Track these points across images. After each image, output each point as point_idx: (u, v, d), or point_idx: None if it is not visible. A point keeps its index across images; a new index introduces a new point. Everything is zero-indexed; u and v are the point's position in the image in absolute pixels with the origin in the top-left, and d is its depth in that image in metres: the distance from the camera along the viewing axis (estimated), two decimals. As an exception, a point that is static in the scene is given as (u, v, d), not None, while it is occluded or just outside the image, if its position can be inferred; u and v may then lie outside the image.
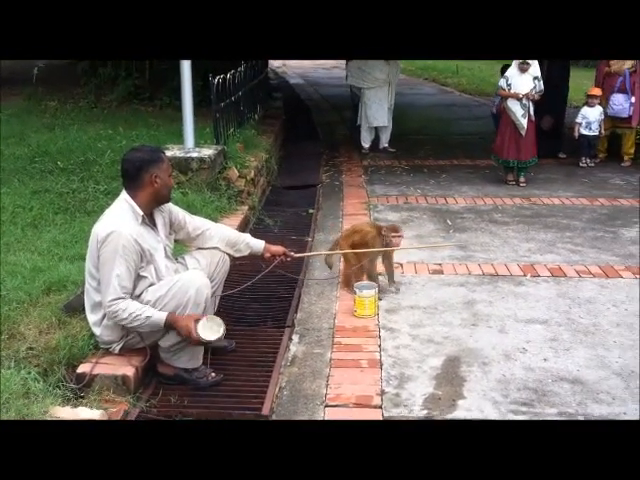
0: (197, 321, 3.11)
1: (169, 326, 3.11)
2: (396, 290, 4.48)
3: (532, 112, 7.20)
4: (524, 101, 7.14)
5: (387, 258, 4.50)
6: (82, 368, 3.09)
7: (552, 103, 8.31)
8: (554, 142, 8.67)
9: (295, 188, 7.50)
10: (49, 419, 2.59)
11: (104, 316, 3.18)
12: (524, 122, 7.16)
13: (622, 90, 8.27)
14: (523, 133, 7.21)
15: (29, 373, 2.92)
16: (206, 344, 3.20)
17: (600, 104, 8.37)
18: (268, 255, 3.78)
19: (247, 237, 3.76)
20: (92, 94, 9.84)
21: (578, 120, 8.37)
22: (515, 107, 7.20)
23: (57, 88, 10.08)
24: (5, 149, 6.47)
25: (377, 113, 9.16)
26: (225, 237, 3.61)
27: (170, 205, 3.42)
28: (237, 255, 3.69)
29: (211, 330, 3.15)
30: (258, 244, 3.75)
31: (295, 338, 3.85)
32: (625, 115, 8.27)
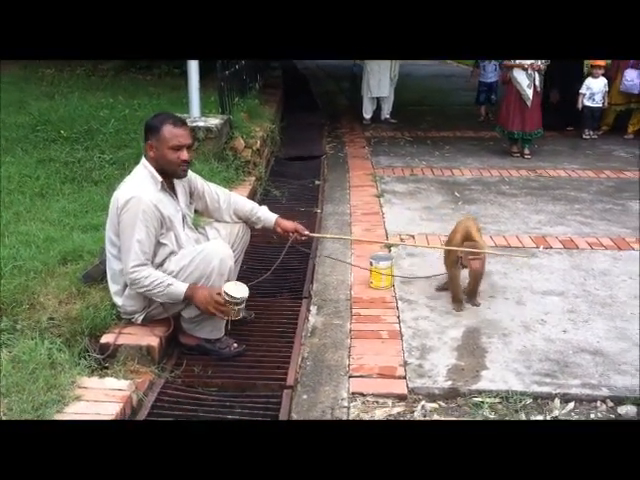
0: (218, 293, 3.07)
1: (188, 297, 3.07)
2: (474, 305, 3.88)
3: (538, 83, 7.15)
4: (529, 71, 7.09)
5: (472, 274, 3.86)
6: (106, 338, 3.06)
7: (563, 76, 8.29)
8: (563, 114, 8.64)
9: (299, 159, 7.44)
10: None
11: (125, 286, 3.14)
12: (530, 92, 7.11)
13: (636, 66, 8.22)
14: (529, 104, 7.17)
15: (53, 343, 2.88)
16: (231, 305, 3.09)
17: (615, 79, 8.33)
18: (279, 230, 3.64)
19: (260, 210, 3.61)
20: (88, 62, 9.68)
21: (582, 91, 8.34)
22: (521, 77, 7.15)
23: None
24: (6, 117, 6.35)
25: (380, 83, 9.08)
26: (238, 212, 3.54)
27: (190, 174, 3.35)
28: (250, 227, 3.64)
29: (236, 291, 3.10)
30: (269, 218, 3.61)
31: (313, 309, 3.84)
32: (636, 91, 8.23)
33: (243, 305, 3.17)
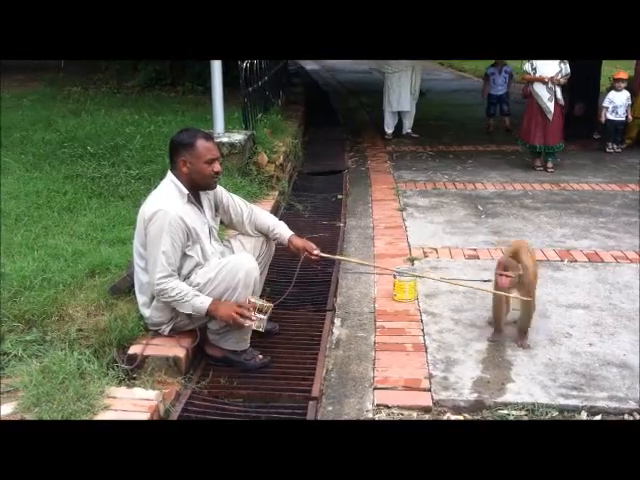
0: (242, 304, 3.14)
1: (211, 312, 3.11)
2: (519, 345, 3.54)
3: (559, 96, 7.15)
4: (550, 85, 7.09)
5: (521, 305, 3.56)
6: (133, 349, 3.11)
7: (584, 89, 8.32)
8: (587, 124, 8.65)
9: (321, 174, 7.48)
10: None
11: (153, 297, 3.19)
12: (551, 106, 7.11)
13: None
14: (550, 117, 7.17)
15: (82, 354, 2.93)
16: (256, 312, 3.16)
17: (638, 92, 8.31)
18: (292, 248, 3.60)
19: (277, 227, 3.59)
20: (113, 80, 9.88)
21: (605, 104, 8.31)
22: (542, 91, 7.15)
23: (77, 73, 10.10)
24: (34, 134, 6.49)
25: (400, 98, 9.12)
26: (259, 227, 3.55)
27: (217, 187, 3.40)
28: None
29: (262, 301, 3.22)
30: (284, 235, 3.58)
31: (337, 322, 3.85)
32: None
33: (267, 316, 3.21)
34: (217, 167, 3.21)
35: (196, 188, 3.23)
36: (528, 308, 3.51)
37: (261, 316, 3.18)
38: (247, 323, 3.14)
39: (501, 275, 3.38)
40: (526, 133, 7.48)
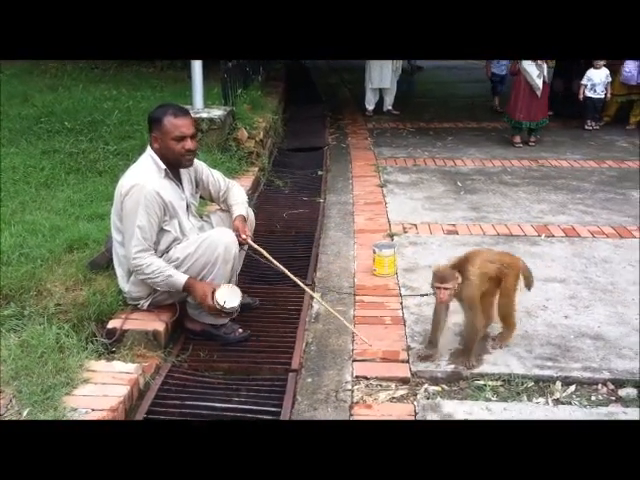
0: (215, 290, 3.09)
1: (187, 290, 3.12)
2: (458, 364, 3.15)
3: (546, 74, 7.21)
4: (539, 62, 7.13)
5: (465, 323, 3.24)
6: (112, 323, 3.11)
7: (568, 66, 8.39)
8: (569, 104, 8.71)
9: (301, 150, 7.47)
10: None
11: (131, 272, 3.18)
12: (539, 82, 7.18)
13: None
14: (539, 94, 7.24)
15: (61, 328, 2.92)
16: (220, 311, 3.12)
17: (617, 70, 8.35)
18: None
19: (235, 205, 3.48)
20: (91, 55, 9.69)
21: (583, 82, 8.36)
22: (530, 68, 7.20)
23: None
24: (10, 109, 6.41)
25: (382, 75, 9.10)
26: (227, 203, 3.52)
27: (196, 162, 3.38)
28: None
29: (227, 298, 3.10)
30: (234, 215, 3.45)
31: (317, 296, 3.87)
32: (634, 82, 8.25)
33: (236, 308, 3.18)
34: (188, 145, 3.13)
35: (171, 165, 3.20)
36: (471, 325, 3.13)
37: (231, 309, 3.13)
38: (217, 317, 3.19)
39: (438, 288, 3.02)
40: (512, 109, 7.53)
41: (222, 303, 3.07)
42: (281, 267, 3.48)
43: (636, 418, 2.76)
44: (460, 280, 3.02)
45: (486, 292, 3.18)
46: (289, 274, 3.47)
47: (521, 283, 3.31)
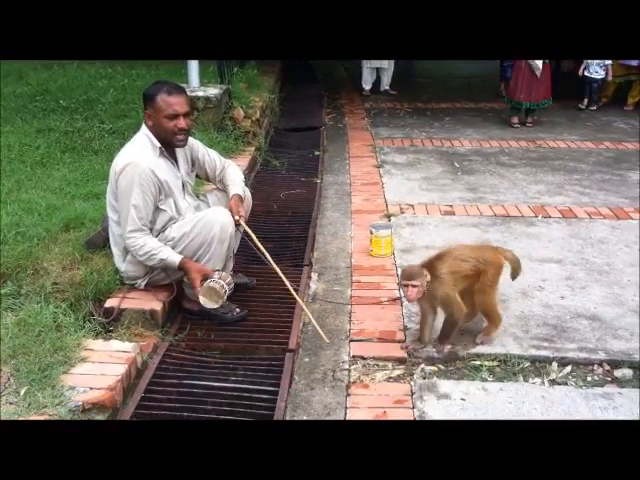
0: (205, 279, 3.07)
1: (182, 270, 3.12)
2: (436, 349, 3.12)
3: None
4: None
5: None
6: (110, 303, 3.11)
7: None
8: (574, 82, 8.65)
9: (298, 130, 7.43)
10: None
11: (127, 251, 3.17)
12: (539, 63, 7.14)
13: None
14: (539, 74, 7.22)
15: (58, 307, 2.92)
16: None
17: None
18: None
19: (232, 185, 3.45)
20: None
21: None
22: None
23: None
24: (4, 87, 6.34)
25: (379, 54, 9.02)
26: (223, 183, 3.49)
27: (192, 141, 3.36)
28: None
29: (210, 298, 3.07)
30: (230, 194, 3.43)
31: (314, 276, 3.87)
32: (634, 63, 8.20)
33: (229, 288, 3.12)
34: (181, 123, 3.10)
35: (165, 144, 3.17)
36: (449, 318, 3.05)
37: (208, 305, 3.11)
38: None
39: (406, 286, 2.94)
40: (513, 90, 7.50)
41: (202, 301, 3.06)
42: (268, 257, 3.36)
43: (632, 399, 2.78)
44: (429, 278, 2.94)
45: (465, 290, 3.07)
46: (276, 269, 3.34)
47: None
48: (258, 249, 3.39)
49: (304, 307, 3.30)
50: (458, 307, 3.02)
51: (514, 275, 3.29)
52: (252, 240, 3.38)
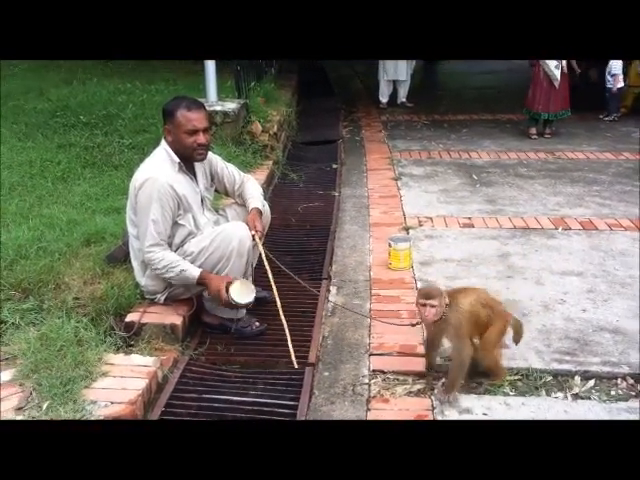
0: (229, 284, 3.09)
1: (201, 284, 3.12)
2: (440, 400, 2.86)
3: (564, 64, 7.17)
4: None
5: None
6: (130, 317, 3.12)
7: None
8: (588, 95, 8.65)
9: (315, 144, 7.45)
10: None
11: (146, 265, 3.18)
12: (557, 73, 7.14)
13: None
14: (557, 85, 7.20)
15: (79, 322, 2.94)
16: (235, 306, 3.13)
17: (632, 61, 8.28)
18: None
19: (251, 199, 3.46)
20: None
21: (615, 72, 8.28)
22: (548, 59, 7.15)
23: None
24: (26, 104, 6.43)
25: (397, 66, 9.05)
26: (242, 198, 3.50)
27: (211, 156, 3.38)
28: None
29: (241, 294, 3.08)
30: (249, 208, 3.44)
31: (333, 290, 3.87)
32: None
33: (250, 303, 3.15)
34: (201, 139, 3.10)
35: (183, 158, 3.18)
36: (457, 356, 2.83)
37: (245, 304, 3.13)
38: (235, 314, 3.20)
39: (424, 305, 2.77)
40: (531, 101, 7.49)
41: (236, 299, 3.06)
42: (271, 280, 3.27)
43: (656, 413, 2.74)
44: (447, 301, 2.79)
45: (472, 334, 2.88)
46: (275, 292, 3.23)
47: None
48: (265, 264, 3.31)
49: (283, 319, 3.16)
50: (468, 344, 2.81)
51: (517, 340, 3.05)
52: (260, 255, 3.34)
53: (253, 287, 3.20)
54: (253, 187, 3.54)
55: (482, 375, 2.96)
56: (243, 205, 3.52)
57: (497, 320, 2.88)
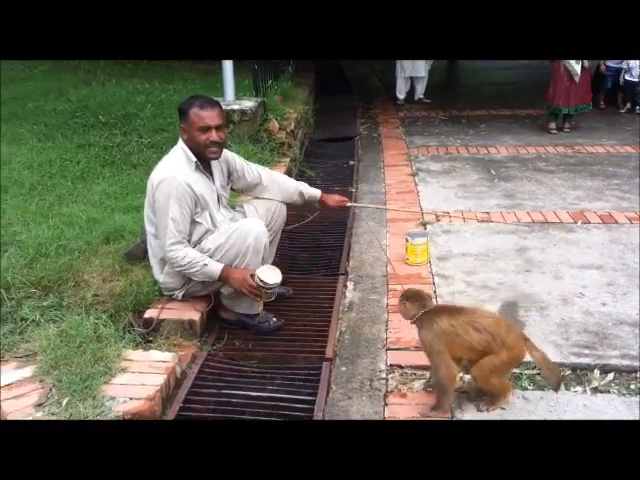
0: (252, 275, 3.11)
1: (223, 278, 3.14)
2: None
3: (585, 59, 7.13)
4: None
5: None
6: (149, 313, 3.15)
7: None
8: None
9: (333, 141, 7.46)
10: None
11: (164, 263, 3.21)
12: (578, 68, 7.10)
13: None
14: (577, 80, 7.15)
15: (98, 318, 2.97)
16: (260, 291, 3.14)
17: None
18: (331, 203, 3.75)
19: (300, 186, 3.66)
20: (124, 49, 9.77)
21: (622, 65, 8.21)
22: None
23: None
24: (46, 105, 6.50)
25: (415, 63, 9.02)
26: (280, 188, 3.58)
27: (228, 154, 3.40)
28: (293, 205, 3.68)
29: (270, 276, 3.14)
30: (313, 194, 3.68)
31: (350, 285, 3.87)
32: None
33: (276, 289, 3.20)
34: (213, 136, 3.12)
35: (198, 156, 3.20)
36: (435, 376, 2.69)
37: (270, 290, 3.16)
38: (257, 300, 3.20)
39: (401, 302, 2.75)
40: (552, 96, 7.44)
41: (265, 279, 3.07)
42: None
43: (677, 406, 2.71)
44: (422, 310, 2.67)
45: (472, 362, 2.64)
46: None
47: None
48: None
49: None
50: (444, 364, 2.58)
51: (555, 387, 2.73)
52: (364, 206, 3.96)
53: (278, 270, 3.20)
54: (287, 178, 3.77)
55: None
56: (263, 199, 3.55)
57: (501, 350, 2.58)
